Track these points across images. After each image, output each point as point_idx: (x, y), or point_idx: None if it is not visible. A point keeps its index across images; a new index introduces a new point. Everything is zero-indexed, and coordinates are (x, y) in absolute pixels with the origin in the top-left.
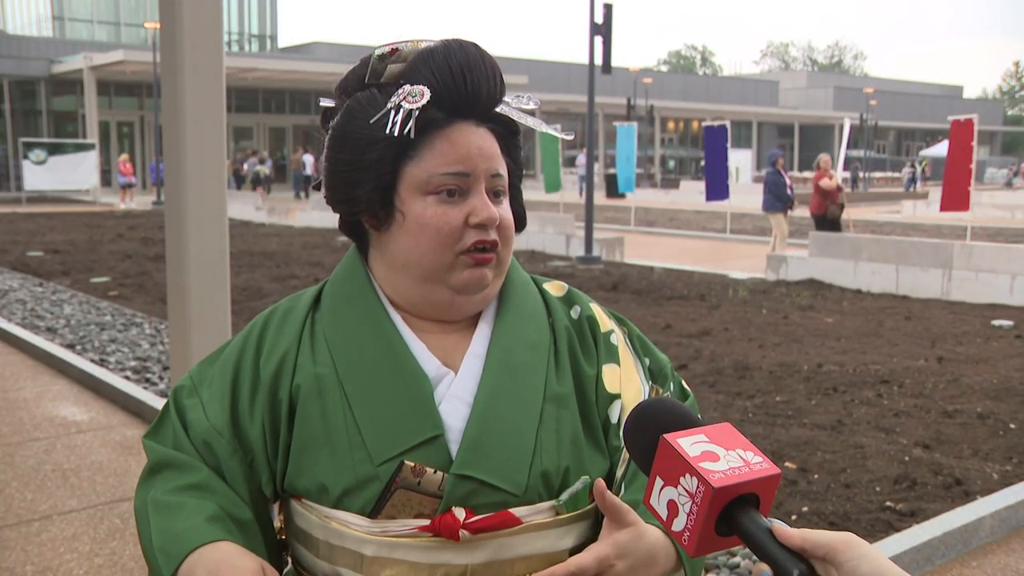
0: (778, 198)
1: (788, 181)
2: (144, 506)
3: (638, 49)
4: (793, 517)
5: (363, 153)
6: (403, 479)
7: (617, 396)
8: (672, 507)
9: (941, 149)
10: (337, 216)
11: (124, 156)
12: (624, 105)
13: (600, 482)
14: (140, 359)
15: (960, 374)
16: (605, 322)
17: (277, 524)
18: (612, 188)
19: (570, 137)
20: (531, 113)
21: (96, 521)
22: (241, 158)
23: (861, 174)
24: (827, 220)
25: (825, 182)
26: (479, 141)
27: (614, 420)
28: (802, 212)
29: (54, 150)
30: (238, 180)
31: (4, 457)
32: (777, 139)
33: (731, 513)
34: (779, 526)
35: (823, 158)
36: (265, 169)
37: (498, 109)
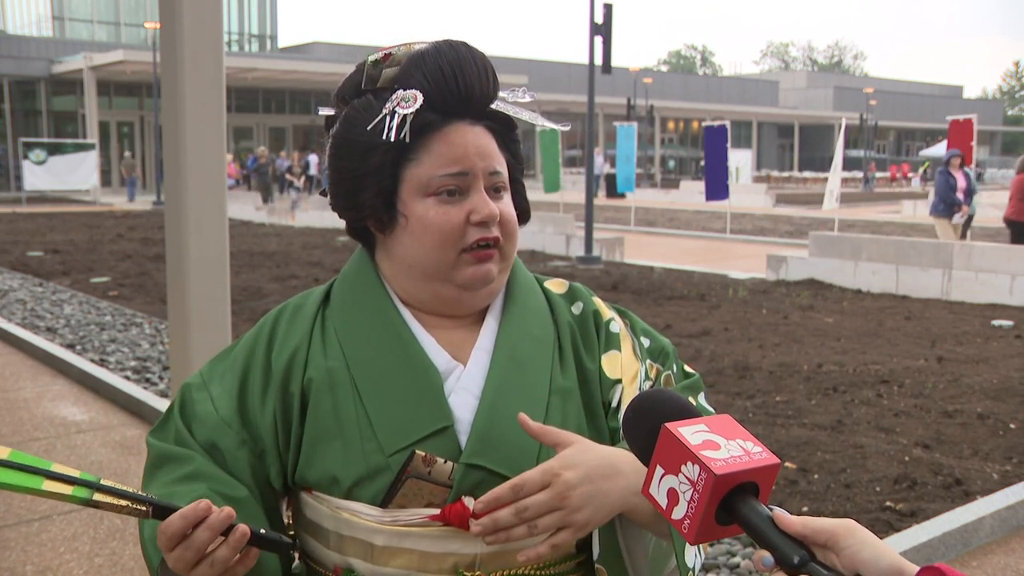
0: (942, 200)
1: (962, 184)
2: None
3: (638, 49)
4: None
5: (363, 160)
6: (414, 468)
7: (618, 381)
8: (672, 495)
9: (941, 149)
10: (337, 217)
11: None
12: (624, 105)
13: (522, 415)
14: (140, 359)
15: (960, 374)
16: (606, 312)
17: (286, 520)
18: (612, 188)
19: (566, 128)
20: (526, 107)
21: (96, 521)
22: (258, 156)
23: (871, 174)
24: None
25: None
26: (475, 140)
27: (614, 403)
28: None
29: (54, 150)
30: (262, 176)
31: None
32: (777, 139)
33: (731, 501)
34: (780, 513)
35: None
36: None
37: (493, 106)
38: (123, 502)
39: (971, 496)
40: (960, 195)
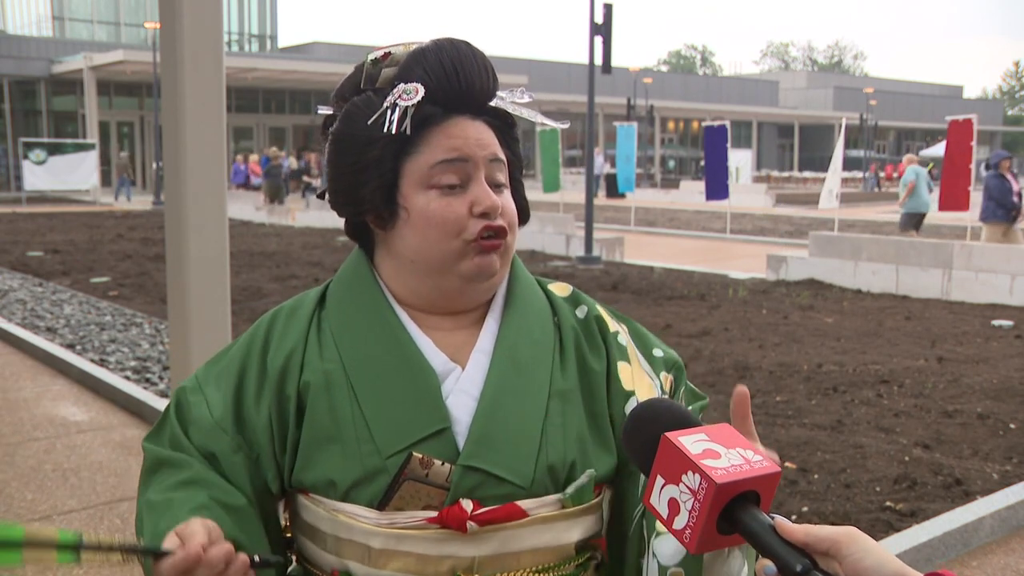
0: (1000, 205)
1: (1016, 187)
2: (140, 509)
3: (638, 49)
4: (793, 517)
5: (364, 153)
6: (411, 471)
7: (632, 393)
8: (673, 505)
9: (940, 149)
10: (339, 217)
11: (254, 157)
12: (624, 105)
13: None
14: (140, 359)
15: (960, 374)
16: (612, 323)
17: (283, 522)
18: (612, 188)
19: (565, 125)
20: (525, 107)
21: (96, 521)
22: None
23: (876, 175)
24: None
25: None
26: (475, 132)
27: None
28: None
29: (54, 150)
30: (274, 177)
31: (4, 457)
32: (777, 139)
33: (732, 511)
34: (781, 521)
35: None
36: None
37: (492, 103)
38: (114, 556)
39: (971, 496)
40: (1016, 198)
